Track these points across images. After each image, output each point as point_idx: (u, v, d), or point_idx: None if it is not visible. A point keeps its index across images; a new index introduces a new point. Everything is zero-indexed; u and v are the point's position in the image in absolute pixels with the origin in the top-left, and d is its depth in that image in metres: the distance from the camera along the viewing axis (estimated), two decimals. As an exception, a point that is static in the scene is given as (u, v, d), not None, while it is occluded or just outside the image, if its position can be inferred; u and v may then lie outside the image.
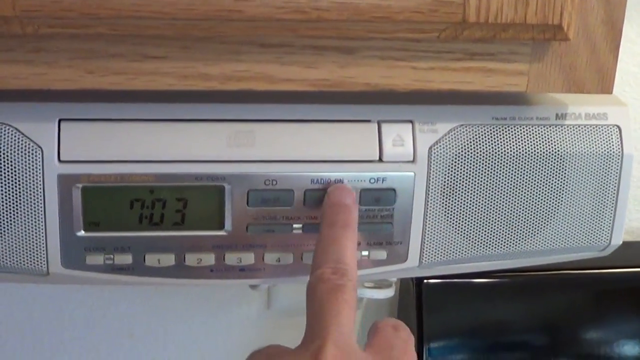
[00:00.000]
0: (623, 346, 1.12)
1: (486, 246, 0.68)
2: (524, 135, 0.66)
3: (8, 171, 0.61)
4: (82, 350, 1.07)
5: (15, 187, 0.62)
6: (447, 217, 0.66)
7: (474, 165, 0.66)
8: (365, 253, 0.67)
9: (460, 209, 0.66)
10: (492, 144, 0.66)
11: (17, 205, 0.62)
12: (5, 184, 0.61)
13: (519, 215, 0.67)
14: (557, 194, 0.68)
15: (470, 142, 0.65)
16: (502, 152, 0.66)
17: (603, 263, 1.05)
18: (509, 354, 1.09)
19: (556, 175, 0.67)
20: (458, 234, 0.67)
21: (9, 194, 0.62)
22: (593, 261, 1.03)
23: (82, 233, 0.64)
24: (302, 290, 0.99)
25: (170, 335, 1.09)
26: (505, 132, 0.66)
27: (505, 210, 0.67)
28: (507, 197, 0.67)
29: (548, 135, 0.66)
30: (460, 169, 0.66)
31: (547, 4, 0.57)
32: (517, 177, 0.67)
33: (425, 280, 1.04)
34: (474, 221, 0.67)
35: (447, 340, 1.08)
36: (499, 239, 0.68)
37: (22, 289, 1.04)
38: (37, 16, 0.53)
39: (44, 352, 1.06)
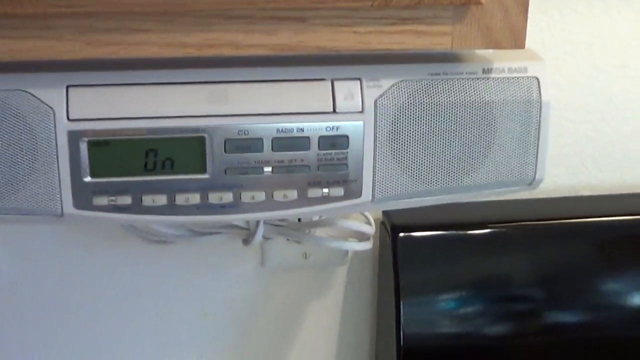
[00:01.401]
0: (620, 297, 1.15)
1: (429, 182, 0.79)
2: (456, 87, 0.77)
3: (26, 129, 0.73)
4: (98, 307, 1.14)
5: (33, 142, 0.73)
6: (394, 158, 0.78)
7: (414, 114, 0.77)
8: (325, 191, 0.78)
9: (405, 151, 0.78)
10: (428, 95, 0.77)
11: (34, 157, 0.74)
12: (24, 140, 0.73)
13: (456, 155, 0.78)
14: (488, 137, 0.79)
15: (410, 95, 0.77)
16: (437, 102, 0.77)
17: (592, 212, 1.13)
18: (489, 307, 1.13)
19: (486, 120, 0.78)
20: (404, 172, 0.79)
21: (28, 148, 0.73)
22: (593, 209, 1.11)
23: (89, 179, 0.75)
24: (294, 249, 1.11)
25: (174, 292, 1.16)
26: (440, 85, 0.77)
27: (443, 151, 0.78)
28: (444, 140, 0.78)
29: (477, 87, 0.78)
30: (403, 118, 0.77)
31: (459, -26, 0.69)
32: (452, 123, 0.78)
33: (400, 234, 1.09)
34: (417, 161, 0.78)
35: (424, 294, 1.12)
36: (440, 176, 0.79)
37: (40, 255, 1.13)
38: (44, -2, 0.66)
39: (63, 311, 1.14)
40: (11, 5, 0.65)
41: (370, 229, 1.07)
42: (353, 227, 1.07)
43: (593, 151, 1.19)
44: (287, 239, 1.12)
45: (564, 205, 1.18)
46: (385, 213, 1.12)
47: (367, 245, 1.09)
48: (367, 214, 1.09)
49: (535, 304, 1.13)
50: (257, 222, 1.01)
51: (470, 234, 1.12)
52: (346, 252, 1.16)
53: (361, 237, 1.09)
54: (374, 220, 1.11)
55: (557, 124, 1.15)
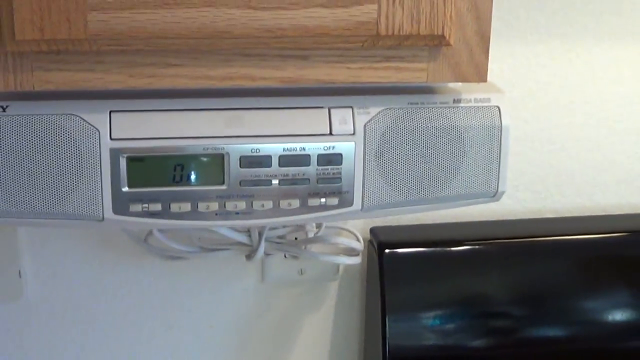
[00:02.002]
0: (602, 314, 1.22)
1: (409, 194, 0.92)
2: (431, 114, 0.90)
3: (75, 147, 0.85)
4: (115, 316, 1.23)
5: (81, 157, 0.85)
6: (380, 173, 0.90)
7: (396, 136, 0.90)
8: (323, 200, 0.90)
9: (389, 167, 0.90)
10: (408, 121, 0.90)
11: (81, 170, 0.85)
12: (74, 155, 0.85)
13: (432, 170, 0.91)
14: (458, 156, 0.91)
15: (393, 120, 0.90)
16: (416, 127, 0.90)
17: (574, 230, 1.23)
18: (471, 321, 1.20)
19: (456, 142, 0.91)
20: (388, 185, 0.91)
21: (76, 162, 0.85)
22: (559, 229, 1.21)
23: (126, 189, 0.87)
24: (290, 265, 1.22)
25: (184, 305, 1.24)
26: (418, 112, 0.90)
27: (421, 167, 0.91)
28: (422, 158, 0.90)
29: (448, 114, 0.91)
30: (387, 139, 0.90)
31: (433, 21, 0.82)
32: (429, 144, 0.90)
33: (386, 250, 1.19)
34: (399, 176, 0.91)
35: (409, 309, 1.20)
36: (419, 189, 0.92)
37: (63, 270, 1.20)
38: (99, 38, 0.78)
39: (83, 322, 1.23)
40: (72, 44, 0.79)
41: (359, 245, 1.18)
42: (344, 244, 1.18)
43: (556, 178, 1.30)
44: (285, 256, 1.24)
45: (533, 226, 1.29)
46: (372, 232, 1.23)
47: (356, 260, 1.18)
48: (356, 232, 1.21)
49: (514, 318, 1.21)
50: (259, 239, 1.12)
51: (451, 250, 1.22)
52: (337, 268, 1.26)
53: (351, 252, 1.19)
54: (362, 239, 1.21)
55: (524, 153, 1.27)
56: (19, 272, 1.19)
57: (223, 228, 1.07)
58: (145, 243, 1.15)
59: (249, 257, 1.15)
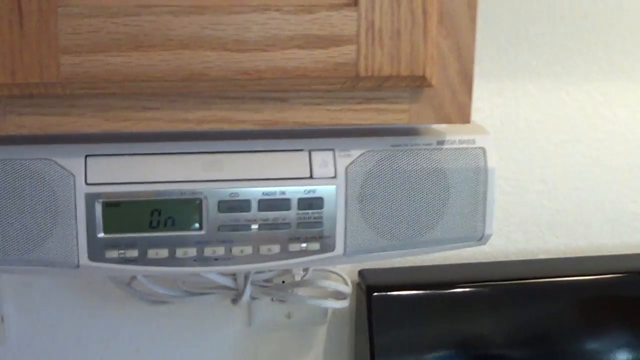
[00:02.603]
0: (596, 356, 1.22)
1: (393, 238, 0.90)
2: (414, 156, 0.89)
3: (49, 192, 0.84)
4: None
5: (54, 203, 0.84)
6: (362, 217, 0.90)
7: (379, 179, 0.89)
8: (304, 245, 0.89)
9: (372, 211, 0.89)
10: (391, 163, 0.89)
11: (55, 216, 0.84)
12: (47, 201, 0.84)
13: (416, 214, 0.90)
14: (442, 199, 0.90)
15: (376, 163, 0.89)
16: (399, 169, 0.89)
17: (571, 271, 1.22)
18: None
19: (441, 184, 0.90)
20: (371, 229, 0.90)
21: (50, 208, 0.84)
22: (551, 270, 1.20)
23: (102, 235, 0.86)
24: (278, 309, 1.21)
25: (169, 350, 1.24)
26: (400, 154, 0.89)
27: (405, 211, 0.89)
28: (406, 201, 0.89)
29: (432, 156, 0.90)
30: (370, 182, 0.89)
31: (413, 62, 0.81)
32: (412, 187, 0.89)
33: (374, 293, 1.19)
34: (383, 219, 0.89)
35: (398, 352, 1.20)
36: (402, 233, 0.90)
37: (46, 314, 1.21)
38: (73, 82, 0.77)
39: None
40: (45, 88, 0.77)
41: (347, 288, 1.18)
42: (331, 287, 1.17)
43: (548, 218, 1.30)
44: (272, 299, 1.23)
45: (525, 267, 1.29)
46: (360, 275, 1.23)
47: (344, 304, 1.18)
48: (344, 275, 1.20)
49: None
50: (245, 283, 1.11)
51: (441, 293, 1.21)
52: (326, 311, 1.26)
53: (339, 296, 1.19)
54: (351, 281, 1.20)
55: (515, 193, 1.27)
56: (1, 317, 1.18)
57: (209, 272, 1.05)
58: (128, 287, 1.15)
59: (235, 301, 1.14)
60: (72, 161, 0.84)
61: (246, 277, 1.10)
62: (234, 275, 1.12)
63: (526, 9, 1.21)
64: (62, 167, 0.84)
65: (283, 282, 1.19)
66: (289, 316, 1.25)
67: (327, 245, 0.89)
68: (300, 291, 1.20)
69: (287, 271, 1.17)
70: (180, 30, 0.76)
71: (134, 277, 1.13)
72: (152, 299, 1.17)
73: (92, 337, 1.22)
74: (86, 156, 0.85)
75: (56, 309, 1.20)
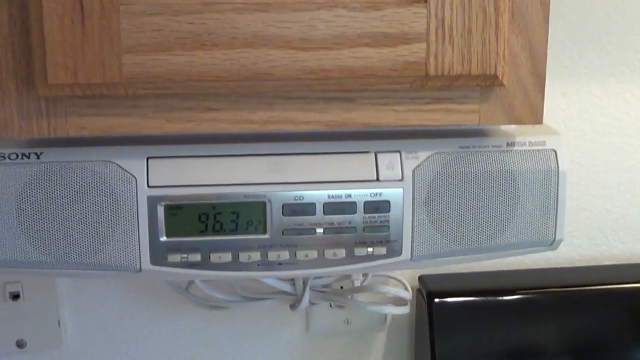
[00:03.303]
0: None
1: (461, 243, 0.88)
2: (483, 158, 0.87)
3: (111, 194, 0.83)
4: None
5: (117, 205, 0.83)
6: (430, 220, 0.88)
7: (447, 182, 0.86)
8: (370, 250, 0.87)
9: (439, 214, 0.87)
10: (459, 165, 0.86)
11: (117, 219, 0.83)
12: (110, 203, 0.83)
13: (485, 218, 0.87)
14: (512, 202, 0.88)
15: (444, 165, 0.87)
16: (467, 172, 0.87)
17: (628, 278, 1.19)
18: None
19: (510, 188, 0.88)
20: (438, 233, 0.88)
21: (112, 211, 0.83)
22: (616, 276, 1.16)
23: (164, 238, 0.85)
24: (336, 315, 1.19)
25: (226, 356, 1.22)
26: (469, 156, 0.87)
27: (474, 214, 0.87)
28: (474, 204, 0.87)
29: (501, 158, 0.87)
30: (437, 185, 0.86)
31: (485, 60, 0.79)
32: (481, 190, 0.87)
33: (435, 300, 1.16)
34: (450, 223, 0.87)
35: (459, 359, 1.18)
36: (471, 237, 0.88)
37: (103, 319, 1.20)
38: (135, 82, 0.76)
39: None
40: (107, 88, 0.76)
41: (408, 294, 1.15)
42: (392, 293, 1.15)
43: (613, 223, 1.26)
44: (330, 305, 1.21)
45: (589, 274, 1.25)
46: (420, 280, 1.20)
47: (404, 310, 1.15)
48: (404, 280, 1.18)
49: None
50: (304, 288, 1.09)
51: (503, 300, 1.18)
52: (385, 317, 1.23)
53: (399, 302, 1.16)
54: (411, 287, 1.18)
55: (579, 197, 1.23)
56: (58, 322, 1.17)
57: (267, 277, 1.03)
58: (186, 292, 1.14)
59: (293, 306, 1.13)
60: (133, 163, 0.83)
61: (305, 282, 1.08)
62: (292, 281, 1.10)
63: (591, 8, 1.18)
64: (123, 169, 0.83)
65: (341, 287, 1.15)
66: (347, 322, 1.23)
67: (393, 249, 0.87)
68: (360, 297, 1.17)
69: (346, 277, 1.15)
70: (245, 29, 0.75)
71: (191, 282, 1.11)
72: (209, 304, 1.15)
73: (149, 342, 1.20)
74: (148, 158, 0.83)
75: (113, 313, 1.19)
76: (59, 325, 1.17)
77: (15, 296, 1.15)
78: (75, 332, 1.20)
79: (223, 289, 1.11)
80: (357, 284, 1.16)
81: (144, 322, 1.20)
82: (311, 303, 1.13)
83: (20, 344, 1.16)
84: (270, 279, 1.04)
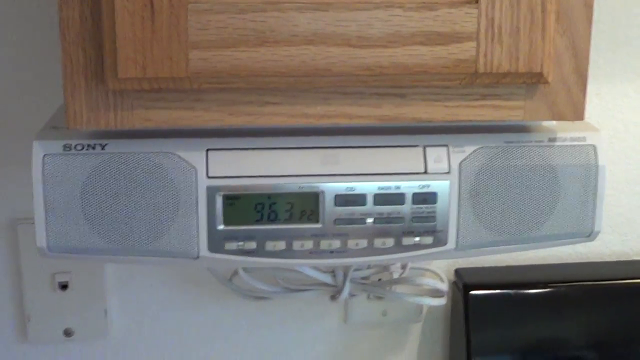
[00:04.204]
0: None
1: (504, 234, 0.91)
2: (526, 153, 0.90)
3: (172, 184, 0.87)
4: (199, 356, 1.26)
5: (177, 195, 0.86)
6: (474, 212, 0.91)
7: (491, 175, 0.90)
8: (417, 239, 0.90)
9: (483, 207, 0.90)
10: (503, 159, 0.90)
11: (177, 208, 0.87)
12: (170, 193, 0.86)
13: (527, 210, 0.90)
14: (553, 195, 0.91)
15: (489, 159, 0.90)
16: (511, 165, 0.90)
17: None
18: None
19: (551, 181, 0.91)
20: (482, 224, 0.91)
21: (173, 200, 0.87)
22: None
23: (222, 227, 0.88)
24: (374, 307, 1.23)
25: (269, 345, 1.26)
26: (513, 151, 0.90)
27: (516, 207, 0.90)
28: (517, 197, 0.90)
29: (543, 153, 0.90)
30: (482, 178, 0.90)
31: (531, 59, 0.82)
32: (523, 183, 0.90)
33: (471, 292, 1.20)
34: (494, 215, 0.90)
35: (494, 351, 1.21)
36: (513, 228, 0.91)
37: (149, 309, 1.24)
38: (200, 77, 0.79)
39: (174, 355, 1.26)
40: (173, 82, 0.80)
41: (444, 286, 1.18)
42: (429, 284, 1.18)
43: (644, 220, 1.28)
44: (369, 297, 1.24)
45: (619, 268, 1.29)
46: (457, 273, 1.24)
47: (442, 301, 1.18)
48: (441, 273, 1.21)
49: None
50: (344, 280, 1.13)
51: (536, 293, 1.22)
52: (421, 309, 1.27)
53: (435, 294, 1.19)
54: (447, 280, 1.21)
55: (610, 195, 1.26)
56: (105, 311, 1.21)
57: (308, 268, 1.07)
58: (230, 282, 1.17)
59: (334, 297, 1.16)
60: (194, 155, 0.86)
61: (345, 274, 1.12)
62: (332, 272, 1.13)
63: (625, 10, 1.21)
64: (184, 160, 0.86)
65: (380, 279, 1.19)
66: (384, 314, 1.26)
67: (439, 239, 0.90)
68: (398, 289, 1.20)
69: (385, 269, 1.18)
70: (305, 27, 0.78)
71: (235, 273, 1.15)
72: (252, 295, 1.18)
73: (193, 331, 1.23)
74: (207, 150, 0.87)
75: (158, 303, 1.23)
76: (106, 315, 1.21)
77: (64, 286, 1.19)
78: (121, 322, 1.23)
79: (266, 280, 1.14)
80: (395, 276, 1.19)
81: (187, 313, 1.23)
82: (351, 295, 1.16)
83: (68, 333, 1.20)
84: (311, 270, 1.08)
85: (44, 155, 0.85)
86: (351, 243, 0.89)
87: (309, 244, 0.89)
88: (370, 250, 0.89)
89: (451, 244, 0.90)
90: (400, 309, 1.27)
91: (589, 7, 0.82)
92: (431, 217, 0.89)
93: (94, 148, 0.86)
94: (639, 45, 1.23)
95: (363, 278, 1.17)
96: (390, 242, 0.89)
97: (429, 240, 0.90)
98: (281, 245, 0.88)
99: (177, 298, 1.24)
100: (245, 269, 1.11)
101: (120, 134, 0.86)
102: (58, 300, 1.20)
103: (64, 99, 0.80)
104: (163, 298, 1.23)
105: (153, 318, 1.24)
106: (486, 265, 1.24)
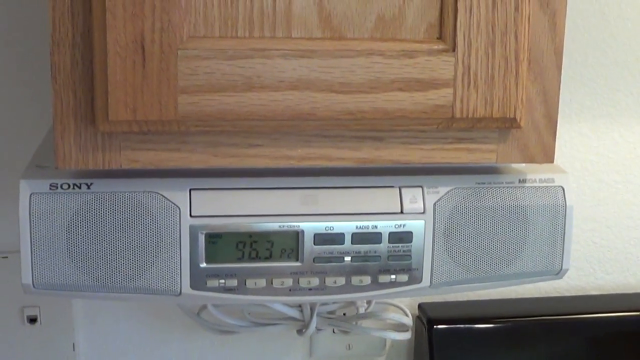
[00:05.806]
0: None
1: (475, 271, 0.94)
2: (497, 194, 0.94)
3: (156, 223, 0.88)
4: None
5: (160, 233, 0.88)
6: (448, 250, 0.94)
7: (464, 215, 0.93)
8: (393, 277, 0.93)
9: (457, 245, 0.93)
10: (476, 200, 0.93)
11: (161, 246, 0.89)
12: (154, 231, 0.88)
13: (498, 248, 0.94)
14: (523, 234, 0.95)
15: (462, 199, 0.93)
16: (483, 206, 0.93)
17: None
18: None
19: (521, 221, 0.94)
20: (455, 263, 0.94)
21: (157, 238, 0.88)
22: (602, 306, 1.24)
23: (204, 265, 0.90)
24: (339, 341, 1.25)
25: None
26: (485, 192, 0.93)
27: (488, 245, 0.94)
28: (488, 236, 0.94)
29: (514, 194, 0.94)
30: (455, 218, 0.93)
31: (505, 105, 0.85)
32: (495, 223, 0.94)
33: (435, 326, 1.23)
34: (466, 253, 0.94)
35: None
36: (485, 266, 0.94)
37: (115, 341, 1.25)
38: (188, 120, 0.81)
39: None
40: (162, 125, 0.82)
41: (409, 320, 1.21)
42: (395, 319, 1.21)
43: (600, 255, 1.34)
44: (334, 331, 1.26)
45: (579, 303, 1.33)
46: (420, 308, 1.27)
47: (406, 335, 1.21)
48: (405, 308, 1.23)
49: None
50: (311, 314, 1.15)
51: (498, 327, 1.25)
52: (384, 343, 1.30)
53: (400, 328, 1.22)
54: (411, 314, 1.24)
55: (568, 231, 1.30)
56: (73, 345, 1.21)
57: (276, 303, 1.08)
58: (197, 317, 1.18)
59: (301, 332, 1.18)
60: (177, 194, 0.88)
61: (312, 308, 1.14)
62: (299, 307, 1.15)
63: (580, 52, 1.25)
64: (168, 199, 0.88)
65: (344, 314, 1.21)
66: (349, 347, 1.29)
67: (414, 277, 0.93)
68: (363, 323, 1.23)
69: (351, 304, 1.21)
70: (291, 73, 0.81)
71: (204, 307, 1.17)
72: (219, 329, 1.20)
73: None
74: (190, 190, 0.89)
75: (125, 337, 1.24)
76: (74, 349, 1.22)
77: (33, 320, 1.19)
78: (89, 355, 1.24)
79: (234, 314, 1.16)
80: (361, 310, 1.21)
81: (154, 347, 1.25)
82: (317, 329, 1.18)
83: (35, 368, 1.19)
84: (280, 305, 1.10)
85: (31, 194, 0.86)
86: (329, 280, 0.91)
87: (288, 282, 0.91)
88: (348, 288, 0.92)
89: (426, 281, 0.93)
90: (364, 343, 1.30)
91: (558, 54, 0.86)
92: (407, 255, 0.92)
93: (79, 187, 0.87)
94: (594, 86, 1.28)
95: (329, 312, 1.20)
96: (367, 279, 0.92)
97: (404, 278, 0.92)
98: (262, 282, 0.91)
99: (145, 332, 1.25)
100: (214, 304, 1.12)
101: (106, 173, 0.88)
102: (26, 334, 1.20)
103: (54, 140, 0.81)
104: (131, 332, 1.25)
105: (121, 352, 1.25)
106: (449, 300, 1.27)
